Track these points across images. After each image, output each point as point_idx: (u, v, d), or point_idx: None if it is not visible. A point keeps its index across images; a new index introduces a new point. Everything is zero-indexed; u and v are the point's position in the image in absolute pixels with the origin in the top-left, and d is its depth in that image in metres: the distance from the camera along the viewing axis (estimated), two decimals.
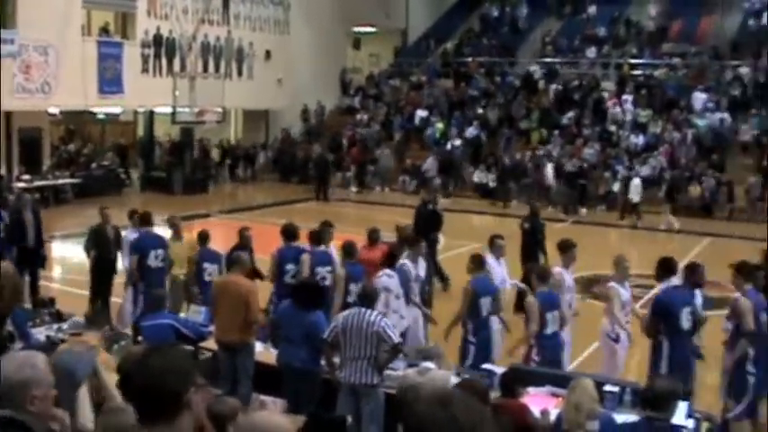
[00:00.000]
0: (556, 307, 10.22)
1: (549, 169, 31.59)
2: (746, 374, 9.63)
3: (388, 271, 11.62)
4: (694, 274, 10.19)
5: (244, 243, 13.06)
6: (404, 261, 11.87)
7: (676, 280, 10.15)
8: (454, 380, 8.51)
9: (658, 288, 10.25)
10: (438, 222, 17.32)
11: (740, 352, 9.62)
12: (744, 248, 20.62)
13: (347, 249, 11.98)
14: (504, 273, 12.34)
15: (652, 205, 29.43)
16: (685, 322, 9.68)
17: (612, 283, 10.95)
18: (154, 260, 12.85)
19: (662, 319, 9.75)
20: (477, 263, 10.98)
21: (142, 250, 12.89)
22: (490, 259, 11.86)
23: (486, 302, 10.61)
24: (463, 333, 10.64)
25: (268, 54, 36.46)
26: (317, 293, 10.12)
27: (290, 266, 12.19)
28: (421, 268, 12.29)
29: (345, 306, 10.80)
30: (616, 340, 10.81)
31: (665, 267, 10.19)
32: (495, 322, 10.92)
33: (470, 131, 35.53)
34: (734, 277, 9.97)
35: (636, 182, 29.19)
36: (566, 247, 11.52)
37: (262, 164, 37.63)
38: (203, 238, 13.22)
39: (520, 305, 14.46)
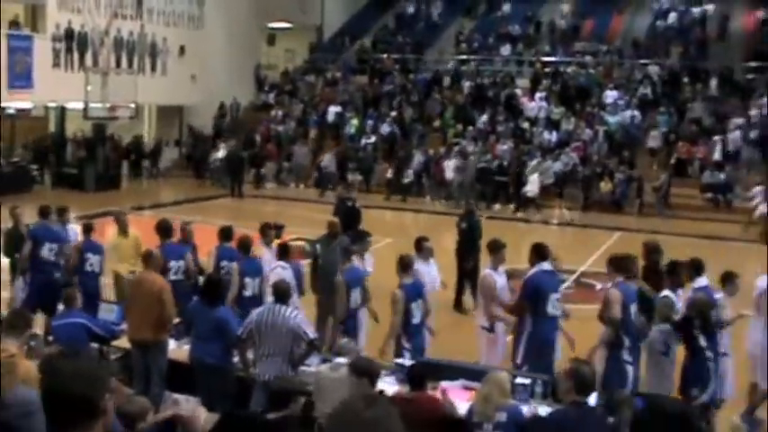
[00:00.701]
0: (420, 297, 10.39)
1: (451, 164, 31.83)
2: (624, 364, 9.58)
3: (282, 263, 11.75)
4: (631, 267, 10.28)
5: (186, 238, 12.98)
6: (487, 271, 11.42)
7: (547, 265, 10.40)
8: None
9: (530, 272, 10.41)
10: (357, 219, 17.44)
11: (605, 340, 9.60)
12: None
13: (243, 245, 12.09)
14: (435, 274, 12.08)
15: (565, 201, 30.09)
16: (551, 307, 10.08)
17: (488, 270, 11.15)
18: (47, 252, 12.78)
19: (530, 302, 10.11)
20: (404, 265, 10.55)
21: (36, 240, 12.85)
22: (419, 264, 11.45)
23: (416, 306, 10.35)
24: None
25: (182, 49, 36.12)
26: (223, 289, 10.11)
27: (224, 263, 12.24)
28: (369, 264, 12.26)
29: (240, 300, 11.07)
30: (491, 330, 10.98)
31: (538, 253, 10.42)
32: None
33: (384, 128, 35.62)
34: (607, 268, 10.20)
35: (533, 177, 30.02)
36: (495, 248, 11.29)
37: (170, 160, 37.20)
38: (88, 229, 13.10)
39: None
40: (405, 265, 10.47)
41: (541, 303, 10.06)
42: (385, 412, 2.72)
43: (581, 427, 6.54)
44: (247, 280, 11.43)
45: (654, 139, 32.69)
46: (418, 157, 32.85)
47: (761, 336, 10.56)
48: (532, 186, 29.91)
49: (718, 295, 10.27)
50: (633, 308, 9.73)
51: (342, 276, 10.93)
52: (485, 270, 11.39)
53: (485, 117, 35.49)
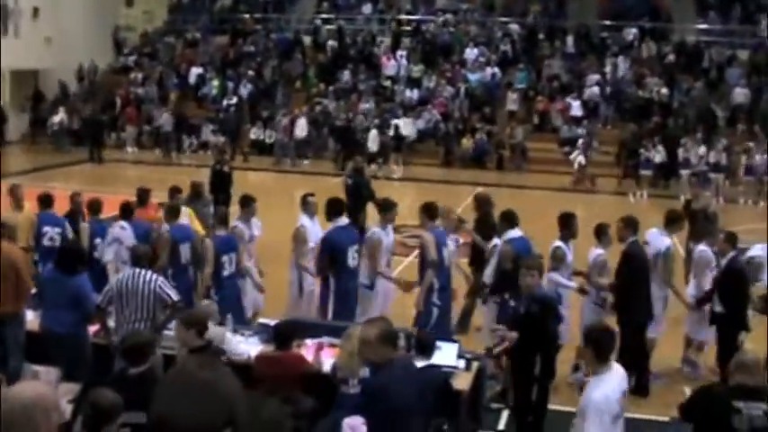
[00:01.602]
0: (233, 249, 10.72)
1: (302, 122, 32.02)
2: (432, 306, 10.36)
3: (122, 223, 11.79)
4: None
5: (75, 209, 12.85)
6: (235, 223, 11.57)
7: (345, 220, 11.11)
8: (230, 336, 8.64)
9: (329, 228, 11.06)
10: (229, 182, 17.37)
11: (427, 283, 10.35)
12: (512, 196, 21.63)
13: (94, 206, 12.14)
14: (318, 231, 11.79)
15: (426, 157, 30.56)
16: (351, 260, 10.67)
17: (375, 228, 11.29)
18: None
19: (330, 257, 10.65)
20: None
21: None
22: (304, 219, 11.52)
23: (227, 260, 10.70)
24: None
25: (36, 11, 34.92)
26: (81, 257, 9.90)
27: (46, 229, 12.15)
28: (255, 227, 12.02)
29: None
30: (371, 287, 11.15)
31: (428, 211, 10.80)
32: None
33: (243, 90, 35.33)
34: (420, 216, 10.81)
35: (372, 133, 30.57)
36: (386, 207, 11.43)
37: (26, 127, 36.05)
38: (45, 202, 12.69)
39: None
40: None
41: (342, 257, 10.59)
42: (219, 373, 2.75)
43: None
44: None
45: (513, 102, 33.09)
46: (280, 118, 32.74)
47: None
48: (372, 143, 30.44)
49: (599, 250, 10.73)
50: (445, 252, 10.45)
51: (211, 241, 10.89)
52: (372, 228, 11.45)
53: (347, 75, 35.56)
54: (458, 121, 32.00)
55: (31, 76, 37.07)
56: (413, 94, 34.18)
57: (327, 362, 8.20)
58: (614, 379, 6.26)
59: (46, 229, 12.30)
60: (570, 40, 36.40)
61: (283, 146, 32.15)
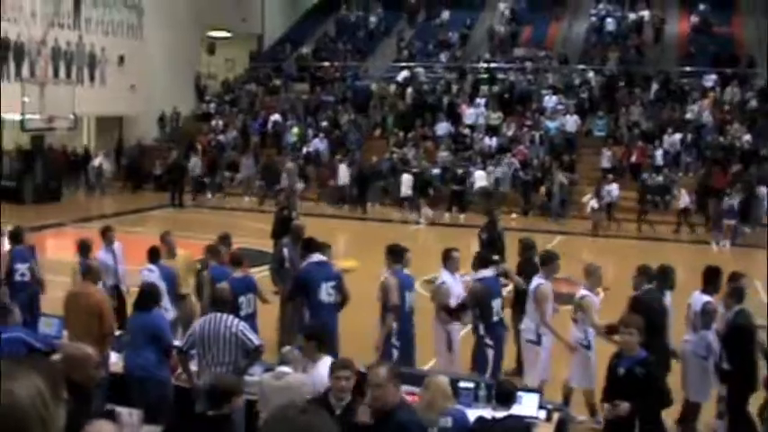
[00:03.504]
0: (250, 290, 11.06)
1: (343, 169, 32.19)
2: (391, 348, 10.68)
3: (149, 266, 12.00)
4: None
5: (108, 241, 13.13)
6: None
7: (318, 256, 11.23)
8: (311, 384, 8.61)
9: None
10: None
11: (388, 327, 10.70)
12: (590, 244, 21.39)
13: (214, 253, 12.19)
14: (460, 287, 11.68)
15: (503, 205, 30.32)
16: (325, 295, 10.84)
17: (541, 281, 11.21)
18: None
19: (302, 292, 10.99)
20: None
21: None
22: (445, 275, 11.49)
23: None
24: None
25: (121, 59, 35.76)
26: (157, 295, 9.98)
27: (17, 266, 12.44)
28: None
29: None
30: (537, 342, 11.06)
31: (393, 254, 11.11)
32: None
33: (317, 143, 35.43)
34: (385, 258, 11.10)
35: (405, 177, 30.78)
36: (446, 256, 11.55)
37: (110, 172, 36.77)
38: (15, 236, 12.90)
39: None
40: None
41: (313, 293, 10.88)
42: (319, 418, 2.76)
43: None
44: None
45: (607, 160, 32.20)
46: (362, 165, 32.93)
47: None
48: (406, 187, 30.75)
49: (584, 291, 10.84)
50: (408, 295, 10.77)
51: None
52: (538, 279, 11.24)
53: (425, 124, 35.79)
54: (536, 169, 31.77)
55: (116, 122, 37.90)
56: (491, 142, 34.11)
57: None
58: None
59: (17, 265, 12.51)
60: (650, 86, 36.10)
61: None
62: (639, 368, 8.15)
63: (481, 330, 10.66)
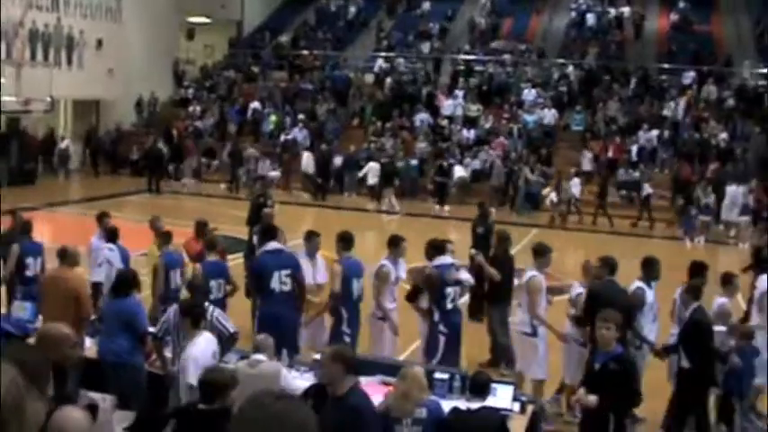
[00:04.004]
0: (220, 275, 11.18)
1: (306, 157, 32.31)
2: (342, 335, 10.73)
3: (109, 245, 12.22)
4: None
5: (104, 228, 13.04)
6: (384, 262, 11.35)
7: (274, 244, 11.12)
8: (285, 372, 8.60)
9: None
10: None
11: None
12: (565, 237, 21.46)
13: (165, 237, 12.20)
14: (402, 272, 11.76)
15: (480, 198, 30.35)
16: (277, 284, 10.67)
17: (385, 261, 11.30)
18: None
19: (257, 281, 10.92)
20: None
21: None
22: (387, 261, 11.38)
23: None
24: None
25: (99, 43, 35.48)
26: (133, 281, 9.93)
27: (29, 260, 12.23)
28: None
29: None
30: (534, 334, 11.08)
31: (343, 241, 11.16)
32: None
33: (296, 132, 35.20)
34: (335, 245, 11.23)
35: (371, 165, 31.13)
36: (393, 242, 11.54)
37: (76, 155, 36.61)
38: (25, 228, 12.76)
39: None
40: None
41: (265, 281, 10.69)
42: (294, 405, 2.76)
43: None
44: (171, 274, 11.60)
45: (588, 162, 32.07)
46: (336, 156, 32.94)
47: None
48: (372, 176, 31.10)
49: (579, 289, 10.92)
50: (356, 282, 10.82)
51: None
52: (382, 260, 11.36)
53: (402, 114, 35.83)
54: (514, 162, 31.83)
55: (92, 105, 37.69)
56: (469, 134, 34.18)
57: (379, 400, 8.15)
58: None
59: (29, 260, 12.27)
60: (629, 82, 36.26)
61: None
62: (614, 364, 8.17)
63: (435, 317, 10.64)
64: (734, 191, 27.75)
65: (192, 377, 7.66)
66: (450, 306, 10.67)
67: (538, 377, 10.79)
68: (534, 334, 10.81)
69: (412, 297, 11.16)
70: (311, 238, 11.79)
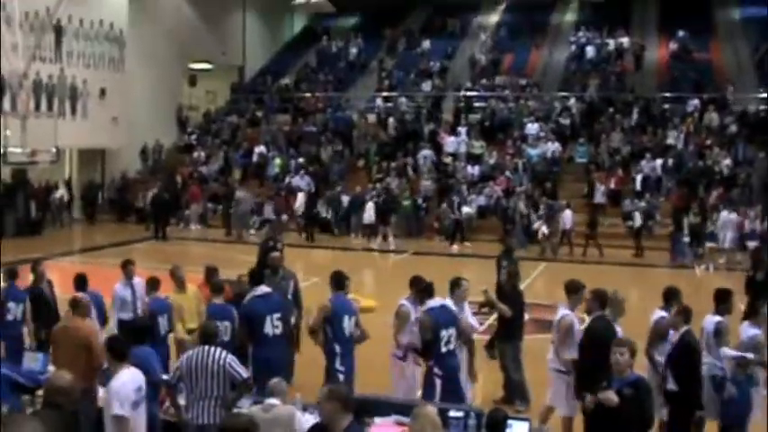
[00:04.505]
0: (228, 318, 11.13)
1: (300, 198, 32.72)
2: (336, 372, 10.64)
3: (81, 294, 11.78)
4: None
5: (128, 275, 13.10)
6: (403, 302, 11.27)
7: (263, 289, 11.26)
8: (299, 415, 8.56)
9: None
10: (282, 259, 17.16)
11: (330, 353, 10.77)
12: (574, 271, 21.36)
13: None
14: (469, 316, 11.61)
15: (485, 233, 30.47)
16: (270, 328, 10.88)
17: (403, 300, 11.24)
18: None
19: (249, 326, 10.90)
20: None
21: None
22: (451, 303, 11.12)
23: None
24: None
25: (103, 92, 35.68)
26: (146, 330, 9.96)
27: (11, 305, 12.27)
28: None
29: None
30: (403, 359, 11.12)
31: (336, 280, 11.08)
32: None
33: (299, 178, 35.28)
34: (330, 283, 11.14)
35: (368, 205, 31.20)
36: (414, 283, 11.40)
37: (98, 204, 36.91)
38: (10, 275, 12.74)
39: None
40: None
41: (258, 326, 10.83)
42: None
43: None
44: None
45: (601, 195, 32.16)
46: (343, 197, 33.02)
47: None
48: (369, 215, 31.28)
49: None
50: (347, 320, 10.74)
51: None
52: (401, 300, 11.32)
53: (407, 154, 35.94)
54: (520, 197, 31.84)
55: (97, 154, 37.85)
56: (474, 171, 34.25)
57: None
58: None
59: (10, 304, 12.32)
60: (631, 112, 36.35)
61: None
62: (628, 389, 8.14)
63: (430, 362, 10.50)
64: (726, 217, 27.85)
65: (116, 409, 7.79)
66: (444, 349, 10.47)
67: (567, 414, 10.69)
68: (568, 372, 10.73)
69: (425, 352, 10.80)
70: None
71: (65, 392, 6.65)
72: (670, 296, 10.79)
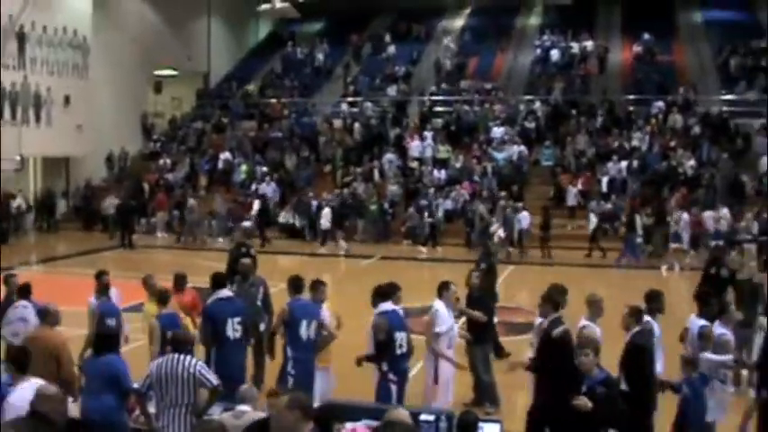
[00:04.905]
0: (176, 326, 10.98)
1: (256, 204, 32.71)
2: (287, 376, 10.77)
3: (23, 302, 11.92)
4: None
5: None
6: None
7: (225, 292, 11.38)
8: None
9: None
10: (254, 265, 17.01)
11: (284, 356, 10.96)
12: (536, 272, 21.53)
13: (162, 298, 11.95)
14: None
15: (452, 237, 30.59)
16: (231, 331, 10.96)
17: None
18: None
19: (212, 328, 10.93)
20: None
21: None
22: (440, 306, 11.45)
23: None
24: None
25: (67, 99, 35.40)
26: (115, 338, 9.91)
27: None
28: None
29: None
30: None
31: (293, 285, 11.21)
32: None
33: (265, 185, 35.22)
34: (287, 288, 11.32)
35: (325, 211, 31.45)
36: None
37: (59, 213, 36.60)
38: None
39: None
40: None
41: (220, 328, 10.91)
42: None
43: None
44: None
45: (573, 197, 32.34)
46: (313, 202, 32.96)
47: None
48: (325, 220, 31.48)
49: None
50: (305, 325, 10.87)
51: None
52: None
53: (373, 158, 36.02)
54: (486, 200, 31.99)
55: (62, 162, 37.57)
56: (440, 175, 34.34)
57: None
58: None
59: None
60: (596, 115, 36.60)
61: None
62: (600, 387, 8.22)
63: (384, 366, 10.53)
64: (678, 217, 28.16)
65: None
66: (398, 352, 10.55)
67: None
68: None
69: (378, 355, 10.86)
70: (318, 287, 11.65)
71: (52, 402, 6.63)
72: (650, 300, 10.76)
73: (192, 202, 33.33)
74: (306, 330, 10.94)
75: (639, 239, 28.38)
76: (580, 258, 28.15)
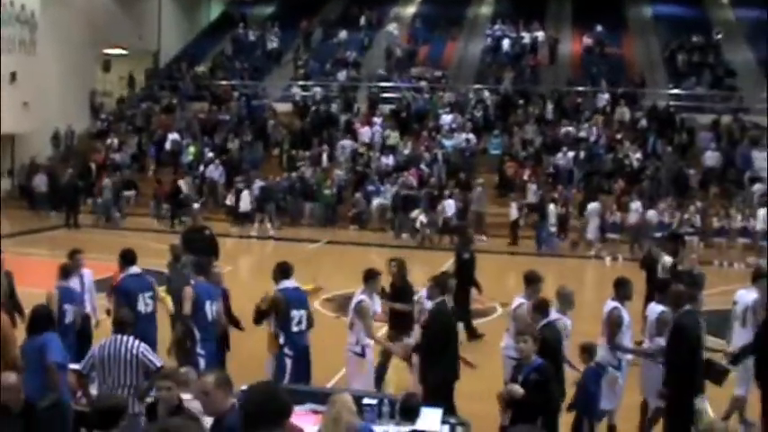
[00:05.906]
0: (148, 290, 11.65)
1: (245, 195, 32.45)
2: (197, 356, 10.94)
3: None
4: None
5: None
6: (362, 297, 11.30)
7: (135, 269, 11.72)
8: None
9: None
10: (215, 248, 16.72)
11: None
12: (499, 261, 21.69)
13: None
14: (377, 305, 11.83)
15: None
16: (142, 306, 11.40)
17: (363, 296, 11.30)
18: None
19: (127, 304, 11.03)
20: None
21: None
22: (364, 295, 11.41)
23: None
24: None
25: (13, 76, 34.78)
26: (48, 318, 9.79)
27: None
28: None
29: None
30: (362, 354, 11.21)
31: (281, 270, 11.28)
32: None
33: (213, 167, 35.04)
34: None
35: (244, 194, 32.08)
36: (370, 276, 11.51)
37: (3, 191, 36.09)
38: None
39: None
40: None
41: (132, 303, 11.19)
42: (187, 423, 2.88)
43: None
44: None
45: (533, 194, 31.51)
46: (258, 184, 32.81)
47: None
48: (244, 204, 31.93)
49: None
50: (209, 305, 11.07)
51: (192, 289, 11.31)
52: (360, 295, 11.32)
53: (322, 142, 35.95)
54: (434, 187, 32.13)
55: (8, 140, 37.01)
56: (388, 161, 34.39)
57: (312, 429, 8.16)
58: None
59: None
60: (545, 105, 36.87)
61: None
62: (534, 374, 8.40)
63: (281, 340, 10.90)
64: (593, 207, 28.58)
65: None
66: (295, 329, 10.92)
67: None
68: None
69: (257, 320, 11.39)
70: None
71: (11, 391, 6.59)
72: (618, 287, 10.96)
73: (106, 181, 33.22)
74: (210, 311, 11.21)
75: (553, 228, 28.93)
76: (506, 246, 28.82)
